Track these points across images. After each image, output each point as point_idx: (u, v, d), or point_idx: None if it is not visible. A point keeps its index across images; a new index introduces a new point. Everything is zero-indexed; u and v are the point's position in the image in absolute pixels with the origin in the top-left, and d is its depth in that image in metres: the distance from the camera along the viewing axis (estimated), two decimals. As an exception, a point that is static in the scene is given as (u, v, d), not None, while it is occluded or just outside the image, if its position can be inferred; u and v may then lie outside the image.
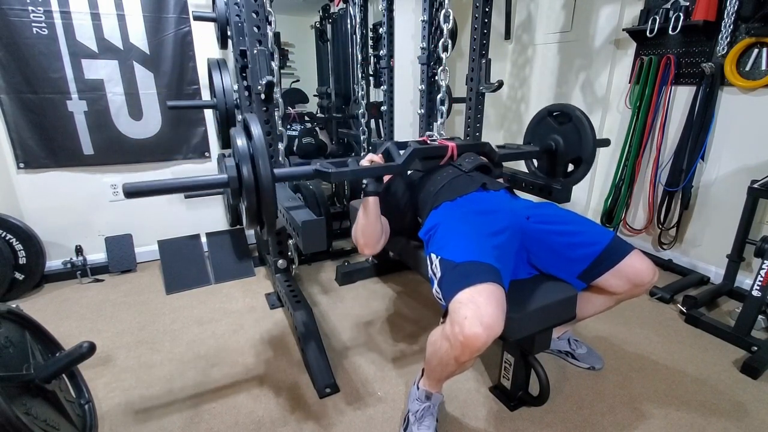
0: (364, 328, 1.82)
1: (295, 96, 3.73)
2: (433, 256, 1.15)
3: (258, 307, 2.01)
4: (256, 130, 1.07)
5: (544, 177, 1.71)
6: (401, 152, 1.34)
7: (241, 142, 1.07)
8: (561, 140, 1.60)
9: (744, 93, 1.98)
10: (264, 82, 1.55)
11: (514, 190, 1.54)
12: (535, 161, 1.79)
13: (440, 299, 1.09)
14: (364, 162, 1.33)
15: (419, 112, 2.24)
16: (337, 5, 2.93)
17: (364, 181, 1.31)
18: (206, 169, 2.51)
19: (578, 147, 1.54)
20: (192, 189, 1.15)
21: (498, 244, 1.12)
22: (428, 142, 1.52)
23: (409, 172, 1.45)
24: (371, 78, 3.03)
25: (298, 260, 1.98)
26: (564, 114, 1.60)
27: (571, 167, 1.62)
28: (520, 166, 1.92)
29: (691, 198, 2.22)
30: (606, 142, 1.68)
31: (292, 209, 1.34)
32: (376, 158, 1.35)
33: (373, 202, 1.30)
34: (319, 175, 1.24)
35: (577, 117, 1.53)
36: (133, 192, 1.01)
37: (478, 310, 0.93)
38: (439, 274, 1.10)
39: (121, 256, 2.36)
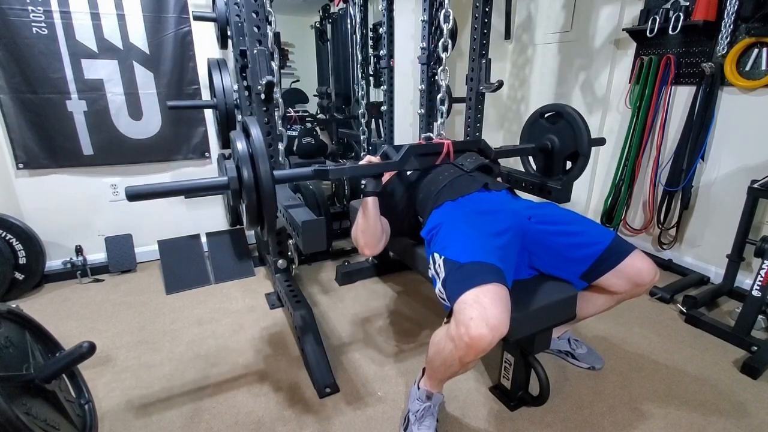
0: (364, 328, 1.82)
1: (295, 96, 3.73)
2: (436, 255, 1.14)
3: (258, 307, 2.01)
4: (256, 132, 1.09)
5: (543, 177, 1.71)
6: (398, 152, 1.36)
7: (241, 144, 1.08)
8: (556, 138, 1.61)
9: (744, 93, 1.98)
10: (264, 82, 1.55)
11: (515, 190, 1.54)
12: (533, 163, 1.79)
13: (444, 300, 1.08)
14: (363, 162, 1.35)
15: (419, 112, 2.24)
16: (337, 5, 2.93)
17: (363, 182, 1.32)
18: (206, 170, 2.51)
19: (573, 142, 1.55)
20: (193, 191, 1.16)
21: (501, 245, 1.12)
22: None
23: (408, 173, 1.46)
24: (371, 78, 3.03)
25: (298, 260, 1.98)
26: (556, 113, 1.62)
27: (569, 165, 1.63)
28: (520, 167, 1.92)
29: (691, 198, 2.22)
30: (601, 141, 1.68)
31: (292, 209, 1.34)
32: (374, 159, 1.37)
33: (372, 202, 1.31)
34: (318, 175, 1.25)
35: (568, 113, 1.55)
36: (134, 195, 1.02)
37: (483, 311, 0.93)
38: (442, 275, 1.09)
39: (121, 256, 2.36)
